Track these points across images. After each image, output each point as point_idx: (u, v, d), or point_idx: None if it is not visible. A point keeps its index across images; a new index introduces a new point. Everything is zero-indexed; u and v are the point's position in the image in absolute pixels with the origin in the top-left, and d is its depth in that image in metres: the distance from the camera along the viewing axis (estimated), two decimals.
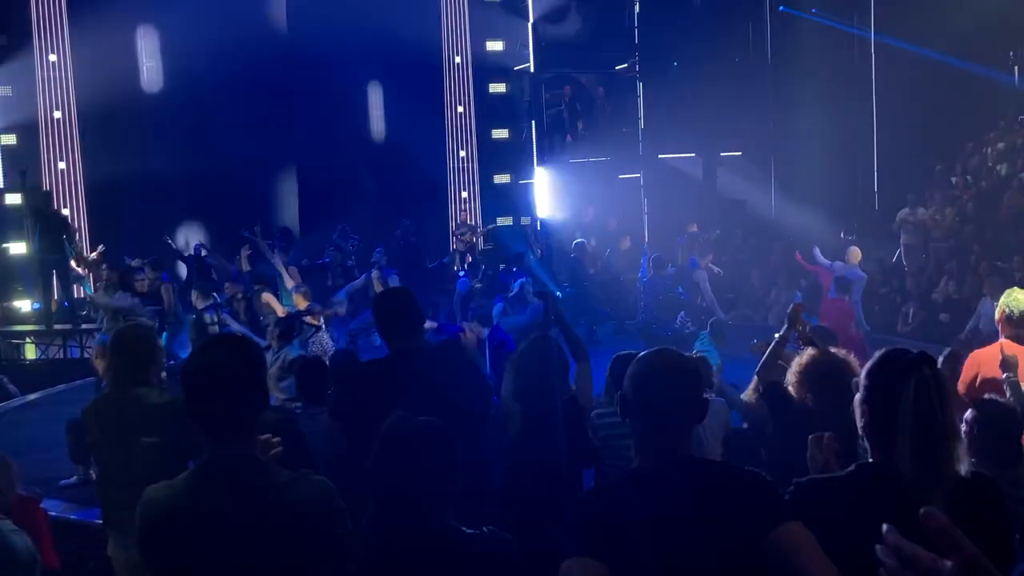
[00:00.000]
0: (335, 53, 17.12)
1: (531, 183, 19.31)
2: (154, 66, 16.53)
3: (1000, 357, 4.54)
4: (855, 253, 11.60)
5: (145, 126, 15.86)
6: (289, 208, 17.82)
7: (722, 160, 19.28)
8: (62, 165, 15.83)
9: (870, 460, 2.35)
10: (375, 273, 11.48)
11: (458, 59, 19.02)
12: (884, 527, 1.16)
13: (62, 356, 13.60)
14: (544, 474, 4.11)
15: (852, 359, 3.96)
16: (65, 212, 14.93)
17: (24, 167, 15.07)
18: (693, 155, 19.32)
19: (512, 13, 18.88)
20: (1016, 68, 16.49)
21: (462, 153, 19.19)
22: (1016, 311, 4.70)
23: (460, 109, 19.12)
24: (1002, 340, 4.77)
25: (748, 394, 5.03)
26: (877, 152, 17.45)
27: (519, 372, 4.23)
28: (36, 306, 14.48)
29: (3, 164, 15.54)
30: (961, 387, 4.70)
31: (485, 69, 18.90)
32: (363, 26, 16.27)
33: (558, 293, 12.91)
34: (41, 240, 13.43)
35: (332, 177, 17.51)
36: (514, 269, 14.06)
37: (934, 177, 15.96)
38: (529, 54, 19.03)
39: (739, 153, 19.17)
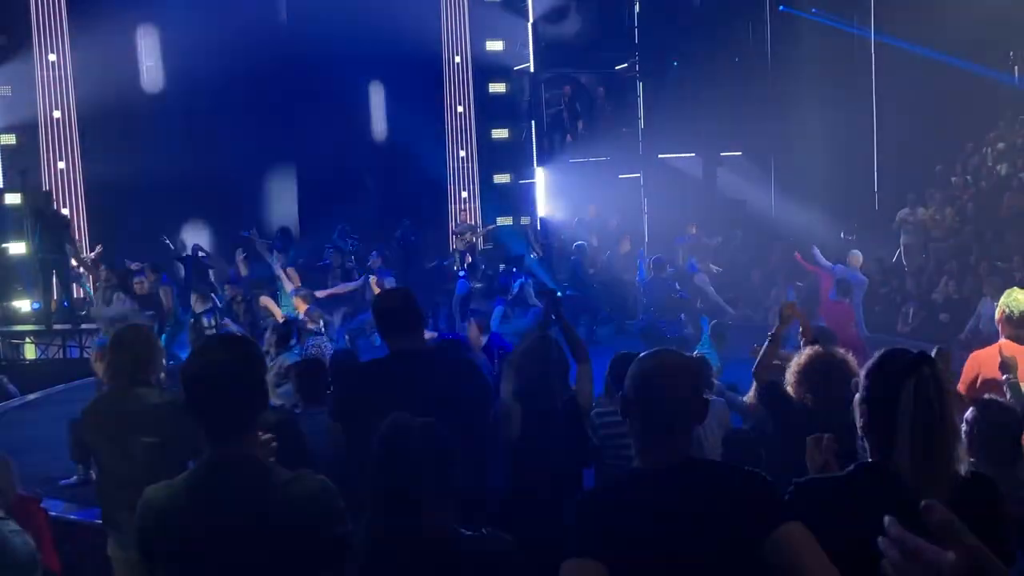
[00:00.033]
0: (335, 53, 17.11)
1: (531, 183, 19.31)
2: (154, 66, 16.53)
3: (999, 357, 4.55)
4: (856, 257, 11.59)
5: (145, 126, 15.86)
6: (288, 208, 17.81)
7: (722, 160, 19.29)
8: (61, 165, 15.83)
9: (869, 460, 2.35)
10: (372, 278, 11.45)
11: (458, 59, 19.02)
12: (886, 519, 1.17)
13: (62, 356, 13.60)
14: (544, 474, 4.11)
15: (851, 358, 3.96)
16: (64, 212, 14.92)
17: (24, 167, 15.07)
18: (693, 155, 19.33)
19: (512, 13, 18.89)
20: (1016, 68, 16.49)
21: (462, 153, 19.19)
22: (1016, 311, 4.70)
23: (460, 109, 19.11)
24: (1002, 340, 4.77)
25: (750, 396, 5.04)
26: (877, 152, 17.45)
27: (519, 372, 4.23)
28: (36, 306, 14.48)
29: (3, 164, 15.53)
30: (962, 387, 4.69)
31: (485, 69, 18.89)
32: (363, 26, 16.26)
33: (559, 293, 12.90)
34: (41, 240, 13.43)
35: (332, 177, 17.51)
36: (513, 270, 14.07)
37: (934, 177, 15.97)
38: (529, 54, 19.04)
39: (739, 153, 19.18)
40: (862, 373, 2.41)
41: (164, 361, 4.26)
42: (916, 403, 2.16)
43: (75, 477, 7.29)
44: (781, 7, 18.19)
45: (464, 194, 19.16)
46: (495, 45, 18.84)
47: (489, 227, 17.90)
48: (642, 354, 2.37)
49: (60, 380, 12.05)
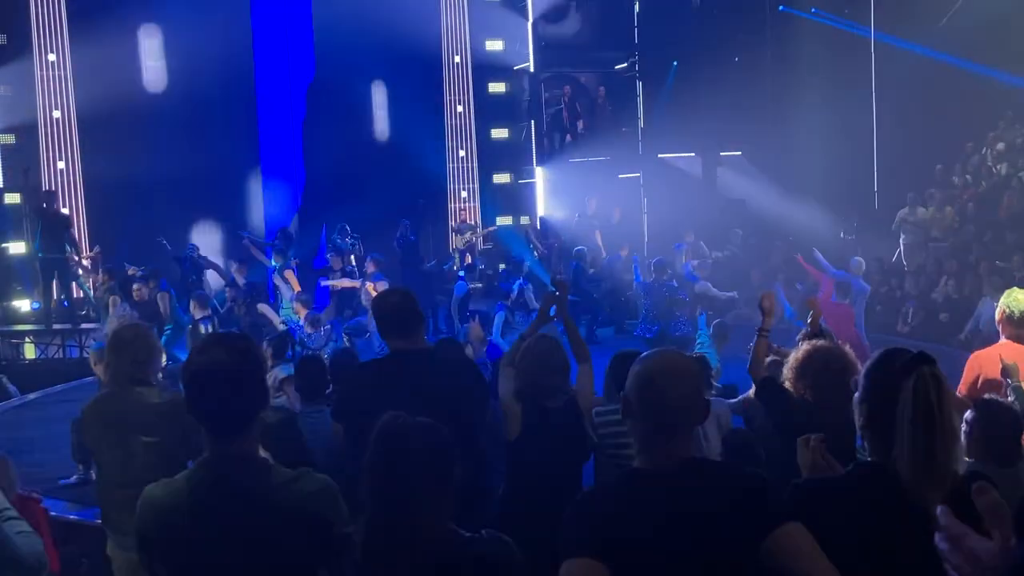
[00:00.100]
0: (334, 53, 17.13)
1: (531, 183, 19.31)
2: (153, 66, 16.52)
3: (1000, 357, 4.55)
4: (859, 265, 11.57)
5: (144, 126, 15.85)
6: (288, 208, 17.81)
7: (722, 159, 19.29)
8: (61, 165, 15.82)
9: (869, 460, 2.35)
10: (368, 283, 11.42)
11: (458, 59, 19.02)
12: (939, 509, 1.20)
13: (61, 356, 13.61)
14: (544, 474, 4.10)
15: (849, 350, 3.96)
16: (64, 211, 14.92)
17: (26, 166, 15.08)
18: (693, 155, 19.33)
19: (512, 12, 18.89)
20: (1016, 68, 16.49)
21: (462, 153, 19.19)
22: (1017, 311, 4.70)
23: (460, 109, 19.11)
24: (1003, 340, 4.77)
25: (751, 393, 5.04)
26: (877, 151, 17.44)
27: (520, 371, 4.22)
28: (35, 306, 14.49)
29: (2, 164, 15.53)
30: (963, 388, 4.69)
31: (485, 69, 18.89)
32: (363, 26, 16.26)
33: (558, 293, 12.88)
34: (42, 239, 13.43)
35: (331, 177, 17.52)
36: (511, 274, 14.08)
37: (934, 177, 15.97)
38: (529, 53, 19.04)
39: (739, 152, 19.18)
40: (862, 372, 2.41)
41: (164, 362, 4.26)
42: (915, 402, 2.16)
43: (75, 477, 7.30)
44: (781, 7, 18.19)
45: (464, 194, 19.16)
46: (495, 45, 18.84)
47: (489, 228, 17.90)
48: (643, 354, 2.38)
49: (60, 380, 12.06)
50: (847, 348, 4.00)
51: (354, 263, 14.12)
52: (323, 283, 13.15)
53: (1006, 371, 4.42)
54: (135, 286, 11.42)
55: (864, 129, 17.36)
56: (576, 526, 2.17)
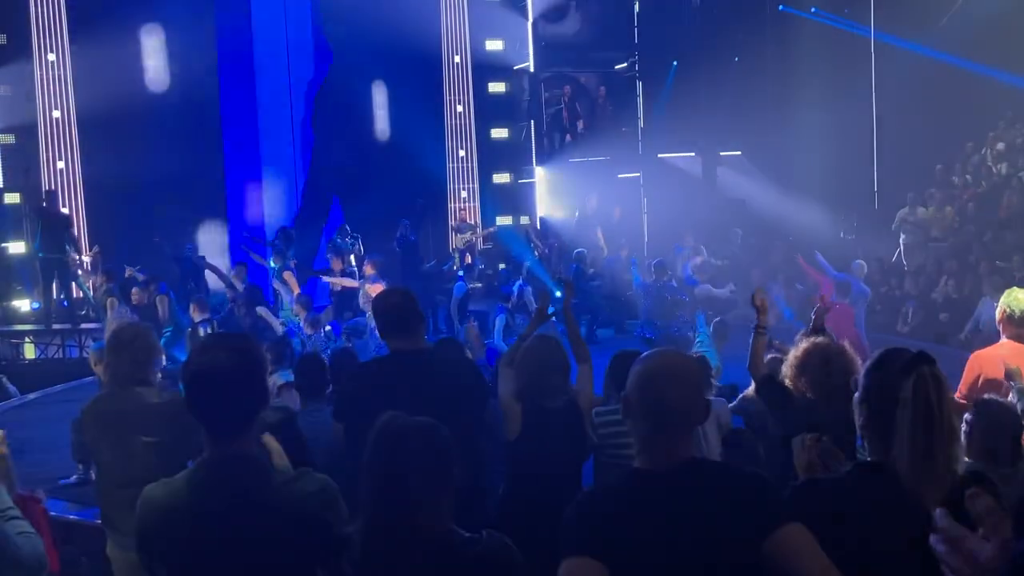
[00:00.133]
0: (335, 54, 17.13)
1: (531, 183, 19.31)
2: (153, 66, 16.53)
3: (1001, 357, 4.55)
4: (861, 268, 11.58)
5: (144, 126, 15.86)
6: (288, 207, 17.81)
7: (722, 159, 19.29)
8: (61, 165, 15.82)
9: (869, 459, 2.35)
10: (367, 286, 11.40)
11: (458, 59, 19.01)
12: (937, 512, 1.20)
13: (61, 356, 13.60)
14: (544, 474, 4.10)
15: (848, 347, 3.96)
16: (64, 211, 14.92)
17: (27, 166, 15.08)
18: (693, 154, 19.33)
19: (512, 12, 18.88)
20: (1016, 68, 16.50)
21: (461, 153, 19.18)
22: (1017, 310, 4.69)
23: (460, 108, 19.11)
24: (1003, 340, 4.77)
25: (750, 391, 5.04)
26: (877, 151, 17.45)
27: (520, 371, 4.23)
28: (35, 306, 14.49)
29: (2, 164, 15.53)
30: (963, 388, 4.69)
31: (485, 69, 18.89)
32: (363, 26, 16.26)
33: (557, 293, 12.88)
34: (43, 239, 13.42)
35: (332, 177, 17.53)
36: (511, 276, 14.06)
37: (934, 177, 15.97)
38: (529, 53, 19.04)
39: (739, 152, 19.18)
40: (861, 372, 2.41)
41: (163, 362, 4.25)
42: (915, 402, 2.16)
43: (75, 477, 7.30)
44: (781, 7, 18.19)
45: (464, 194, 19.16)
46: (495, 45, 18.84)
47: (490, 229, 17.90)
48: (644, 354, 2.37)
49: (60, 380, 12.05)
50: (846, 344, 4.00)
51: (354, 263, 14.12)
52: (324, 279, 13.14)
53: (1009, 375, 4.41)
54: (134, 290, 11.41)
55: (864, 129, 17.37)
56: (576, 526, 2.17)
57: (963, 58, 15.39)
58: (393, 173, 17.33)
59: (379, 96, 18.41)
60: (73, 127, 15.91)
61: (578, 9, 18.99)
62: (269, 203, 17.60)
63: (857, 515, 2.24)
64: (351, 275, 12.90)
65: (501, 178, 19.17)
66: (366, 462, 2.40)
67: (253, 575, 2.41)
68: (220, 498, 2.39)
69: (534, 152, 19.29)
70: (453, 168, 19.07)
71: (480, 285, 16.05)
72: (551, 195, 19.18)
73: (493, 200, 19.01)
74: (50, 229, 13.39)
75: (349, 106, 17.80)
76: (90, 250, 14.86)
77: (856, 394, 2.38)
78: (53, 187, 15.06)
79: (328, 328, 10.54)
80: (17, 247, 14.99)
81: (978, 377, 4.70)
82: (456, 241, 17.60)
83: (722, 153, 19.23)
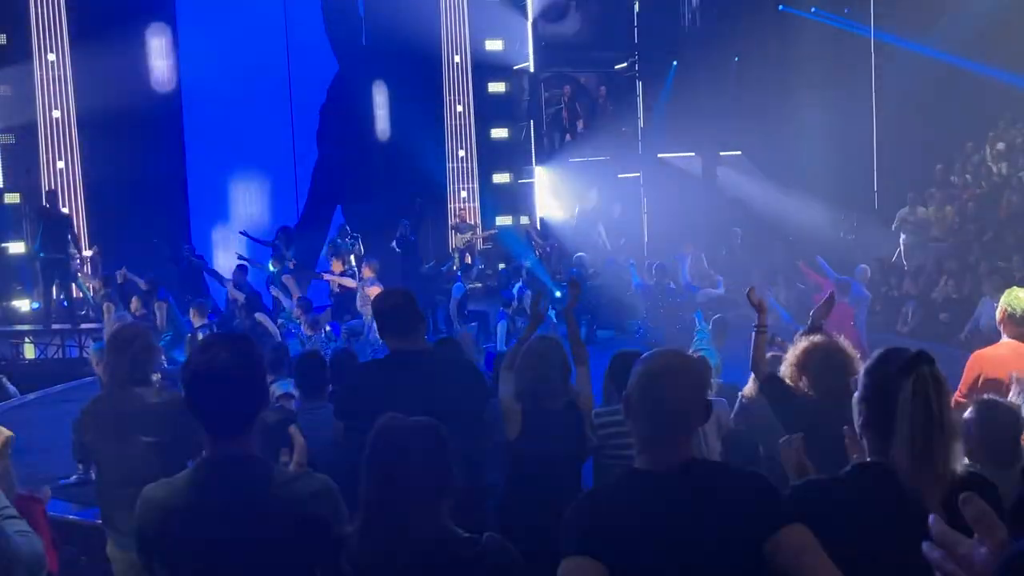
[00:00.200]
0: (335, 54, 17.12)
1: (530, 183, 19.30)
2: (153, 66, 16.53)
3: (1001, 357, 4.55)
4: (864, 272, 11.58)
5: (145, 126, 15.85)
6: (288, 207, 17.81)
7: (722, 159, 19.29)
8: (61, 165, 15.81)
9: (868, 459, 2.35)
10: (365, 289, 11.41)
11: (458, 58, 19.01)
12: (931, 517, 1.20)
13: (61, 356, 13.60)
14: (544, 475, 4.11)
15: (846, 344, 3.96)
16: (64, 211, 14.93)
17: (27, 166, 15.08)
18: (693, 154, 19.33)
19: (512, 12, 18.88)
20: (1016, 68, 16.51)
21: (461, 153, 19.17)
22: (1019, 310, 4.69)
23: (460, 108, 19.10)
24: (1004, 339, 4.77)
25: (747, 390, 5.03)
26: (877, 151, 17.45)
27: (520, 372, 4.23)
28: (35, 306, 14.49)
29: (2, 164, 15.53)
30: (963, 387, 4.69)
31: (485, 68, 18.89)
32: (363, 26, 16.26)
33: (558, 294, 12.88)
34: (43, 239, 13.42)
35: (332, 176, 17.52)
36: (510, 275, 14.04)
37: (934, 177, 15.97)
38: (529, 53, 19.03)
39: (739, 152, 19.18)
40: (861, 372, 2.41)
41: (163, 363, 4.26)
42: (914, 402, 2.16)
43: (75, 477, 7.29)
44: (781, 6, 18.19)
45: (464, 194, 19.15)
46: (495, 44, 18.83)
47: (490, 231, 17.89)
48: (645, 354, 2.37)
49: (59, 380, 12.05)
50: (844, 341, 4.00)
51: (354, 263, 14.13)
52: (324, 278, 13.15)
53: (1021, 382, 4.39)
54: (134, 300, 11.39)
55: (864, 129, 17.37)
56: (576, 526, 2.17)
57: (963, 58, 15.39)
58: (393, 173, 17.34)
59: (379, 96, 18.40)
60: (73, 127, 15.91)
61: (578, 9, 18.98)
62: (269, 203, 17.60)
63: (856, 515, 2.24)
64: (351, 275, 12.91)
65: (501, 178, 19.17)
66: (365, 462, 2.40)
67: (253, 575, 2.41)
68: (220, 498, 2.39)
69: (534, 152, 19.28)
70: (453, 168, 19.06)
71: (480, 285, 16.05)
72: (551, 195, 19.18)
73: (493, 200, 19.01)
74: (51, 229, 13.39)
75: (349, 106, 17.80)
76: (89, 248, 14.87)
77: (856, 393, 2.38)
78: (53, 187, 15.06)
79: (328, 328, 10.54)
80: (17, 247, 14.99)
81: (978, 377, 4.69)
82: (456, 241, 17.61)
83: (722, 153, 19.23)
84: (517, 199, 19.17)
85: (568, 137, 19.26)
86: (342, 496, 2.50)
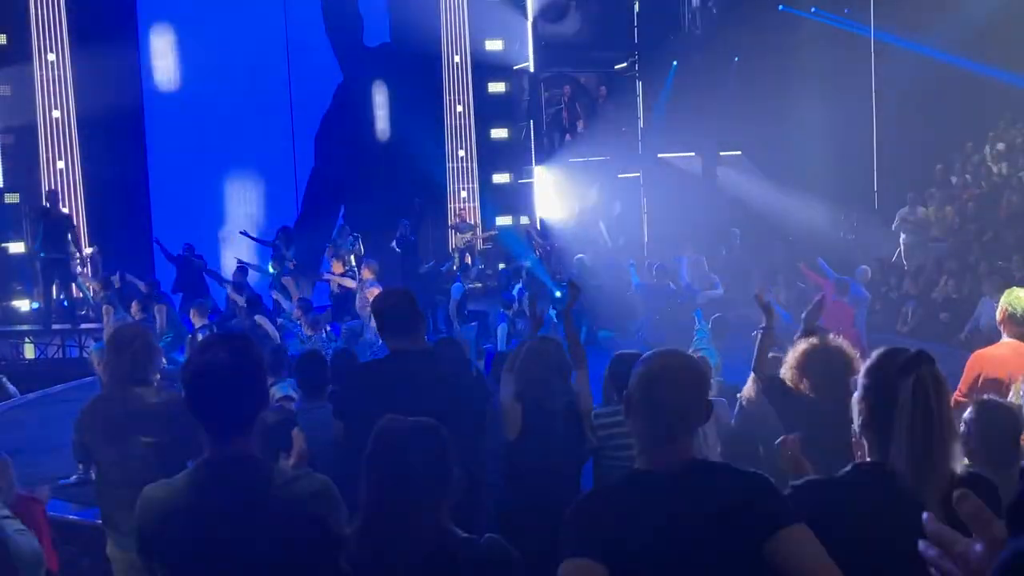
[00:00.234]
0: (335, 54, 17.12)
1: (530, 183, 19.30)
2: (153, 66, 16.53)
3: (1001, 357, 4.55)
4: (864, 273, 11.58)
5: (144, 125, 15.86)
6: (288, 207, 17.81)
7: (722, 159, 19.28)
8: (61, 165, 15.82)
9: (868, 459, 2.35)
10: (365, 291, 11.40)
11: (458, 59, 19.01)
12: (925, 515, 1.20)
13: (61, 356, 13.60)
14: (543, 475, 4.11)
15: (845, 343, 3.96)
16: (65, 211, 14.92)
17: (28, 166, 15.07)
18: (693, 154, 19.33)
19: (512, 12, 18.88)
20: (1016, 68, 16.51)
21: (461, 153, 19.17)
22: (1019, 309, 4.69)
23: (459, 109, 19.10)
24: (1005, 339, 4.77)
25: (746, 390, 5.03)
26: (877, 151, 17.45)
27: (521, 373, 4.23)
28: (35, 306, 14.49)
29: (2, 164, 15.53)
30: (963, 387, 4.69)
31: (484, 68, 18.89)
32: (363, 26, 16.26)
33: (558, 294, 12.88)
34: (44, 239, 13.42)
35: (332, 176, 17.52)
36: (510, 276, 14.02)
37: (934, 177, 15.97)
38: (529, 53, 19.03)
39: (739, 152, 19.18)
40: (861, 372, 2.41)
41: (163, 363, 4.26)
42: (914, 402, 2.16)
43: (75, 477, 7.29)
44: (781, 6, 18.19)
45: (464, 194, 19.15)
46: (495, 44, 18.83)
47: (490, 232, 17.89)
48: (646, 354, 2.37)
49: (59, 380, 12.05)
50: (843, 341, 4.00)
51: (354, 262, 14.13)
52: (324, 277, 13.16)
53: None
54: (134, 304, 11.39)
55: (864, 129, 17.37)
56: (576, 526, 2.17)
57: (963, 58, 15.39)
58: (393, 173, 17.33)
59: (379, 96, 18.41)
60: (73, 127, 15.91)
61: (578, 9, 18.98)
62: (269, 203, 17.60)
63: (856, 515, 2.24)
64: (351, 276, 12.92)
65: (501, 178, 19.16)
66: (366, 462, 2.40)
67: (253, 575, 2.41)
68: (220, 498, 2.39)
69: (534, 152, 19.28)
70: (453, 168, 19.06)
71: (480, 285, 16.04)
72: (551, 195, 19.17)
73: (493, 200, 19.01)
74: (51, 229, 13.39)
75: (349, 106, 17.80)
76: (89, 247, 14.87)
77: (856, 393, 2.38)
78: (53, 187, 15.06)
79: (328, 329, 10.54)
80: (17, 247, 14.98)
81: (978, 377, 4.69)
82: (456, 241, 17.60)
83: (722, 153, 19.22)
84: (517, 199, 19.17)
85: (568, 137, 19.26)
86: (342, 496, 2.50)
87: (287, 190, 17.94)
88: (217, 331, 10.33)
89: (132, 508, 2.47)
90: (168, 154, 15.67)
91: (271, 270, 12.78)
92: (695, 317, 8.92)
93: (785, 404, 3.94)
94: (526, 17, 18.91)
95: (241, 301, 11.67)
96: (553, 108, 19.32)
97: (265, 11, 17.07)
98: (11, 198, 15.03)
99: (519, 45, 19.03)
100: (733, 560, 2.11)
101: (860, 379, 2.37)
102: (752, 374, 4.32)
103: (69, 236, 13.61)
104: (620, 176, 19.23)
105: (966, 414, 3.63)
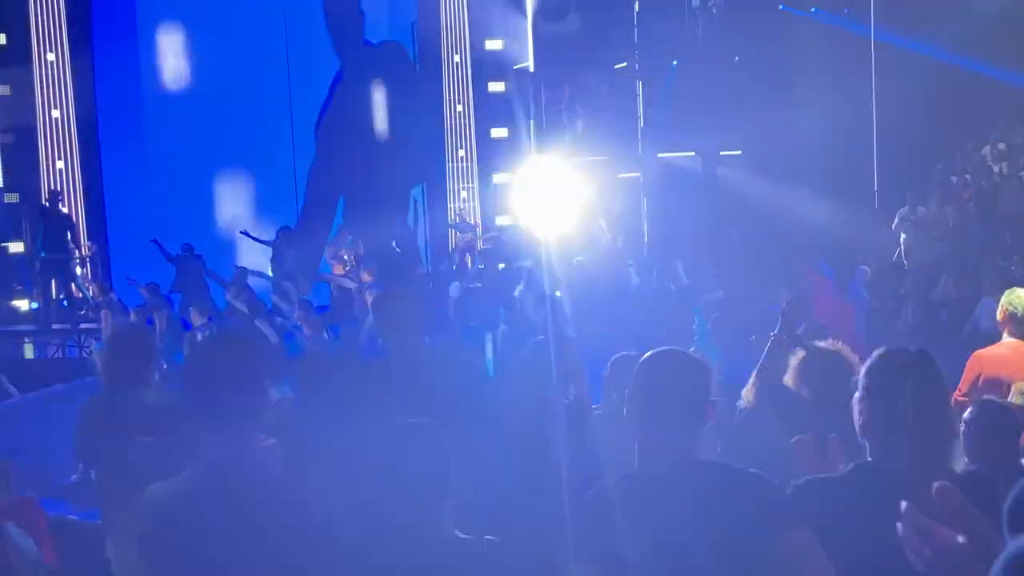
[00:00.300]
0: (334, 53, 17.11)
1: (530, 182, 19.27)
2: (152, 66, 16.52)
3: (1002, 357, 4.55)
4: (864, 273, 11.58)
5: (144, 125, 15.85)
6: (288, 207, 17.81)
7: (722, 159, 19.27)
8: (60, 165, 15.82)
9: (868, 459, 2.35)
10: (364, 293, 11.40)
11: (457, 58, 19.01)
12: (903, 505, 1.20)
13: (61, 356, 13.59)
14: (544, 478, 4.10)
15: (845, 347, 3.95)
16: (64, 211, 14.93)
17: (24, 167, 15.07)
18: (693, 154, 19.32)
19: (512, 11, 18.87)
20: (1016, 68, 16.51)
21: (461, 152, 19.17)
22: (1020, 309, 4.70)
23: (459, 108, 19.09)
24: (1005, 339, 4.77)
25: (747, 392, 5.03)
26: (877, 151, 17.44)
27: (521, 375, 4.23)
28: (35, 306, 14.49)
29: (2, 164, 15.53)
30: (963, 387, 4.69)
31: (485, 67, 18.88)
32: (363, 25, 16.25)
33: (557, 293, 12.87)
34: (45, 239, 13.42)
35: (332, 176, 17.51)
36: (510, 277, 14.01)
37: (934, 176, 15.97)
38: (529, 53, 19.02)
39: (739, 152, 19.17)
40: (861, 372, 2.40)
41: (163, 364, 4.27)
42: (914, 402, 2.16)
43: (75, 477, 7.29)
44: (781, 6, 18.19)
45: (464, 194, 19.14)
46: (495, 44, 18.83)
47: (491, 234, 17.88)
48: (648, 354, 2.37)
49: (60, 380, 12.03)
50: (843, 346, 3.99)
51: (354, 262, 14.13)
52: (324, 278, 13.17)
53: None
54: (132, 312, 11.38)
55: (864, 128, 17.36)
56: (577, 528, 2.17)
57: (963, 58, 15.40)
58: (393, 173, 17.32)
59: (379, 96, 18.40)
60: (73, 127, 15.91)
61: (578, 8, 18.97)
62: (269, 203, 17.59)
63: (856, 515, 2.24)
64: (351, 277, 12.92)
65: (501, 178, 19.16)
66: (366, 463, 2.40)
67: (253, 574, 2.41)
68: (219, 498, 2.39)
69: (533, 152, 19.27)
70: (453, 168, 19.05)
71: (479, 285, 16.03)
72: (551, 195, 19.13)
73: (493, 200, 19.00)
74: (52, 229, 13.40)
75: (349, 105, 17.79)
76: (89, 248, 14.87)
77: (856, 394, 2.38)
78: (53, 187, 15.06)
79: (328, 329, 10.54)
80: (17, 247, 14.98)
81: (978, 377, 4.70)
82: (456, 240, 17.60)
83: (722, 153, 19.21)
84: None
85: (568, 137, 19.24)
86: (342, 496, 2.50)
87: (287, 190, 17.93)
88: (216, 331, 10.33)
89: (132, 508, 2.47)
90: (167, 154, 15.65)
91: (271, 273, 12.79)
92: (695, 317, 8.91)
93: (785, 407, 3.94)
94: (526, 17, 18.91)
95: (241, 304, 11.68)
96: (553, 108, 19.31)
97: (265, 11, 17.06)
98: (11, 198, 15.04)
99: (519, 45, 19.03)
100: (733, 560, 2.11)
101: (860, 379, 2.37)
102: (753, 376, 4.32)
103: (69, 236, 13.62)
104: (620, 176, 19.22)
105: (966, 414, 3.63)
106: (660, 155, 19.14)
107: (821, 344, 4.03)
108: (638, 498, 2.19)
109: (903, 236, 15.22)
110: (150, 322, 11.16)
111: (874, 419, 2.30)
